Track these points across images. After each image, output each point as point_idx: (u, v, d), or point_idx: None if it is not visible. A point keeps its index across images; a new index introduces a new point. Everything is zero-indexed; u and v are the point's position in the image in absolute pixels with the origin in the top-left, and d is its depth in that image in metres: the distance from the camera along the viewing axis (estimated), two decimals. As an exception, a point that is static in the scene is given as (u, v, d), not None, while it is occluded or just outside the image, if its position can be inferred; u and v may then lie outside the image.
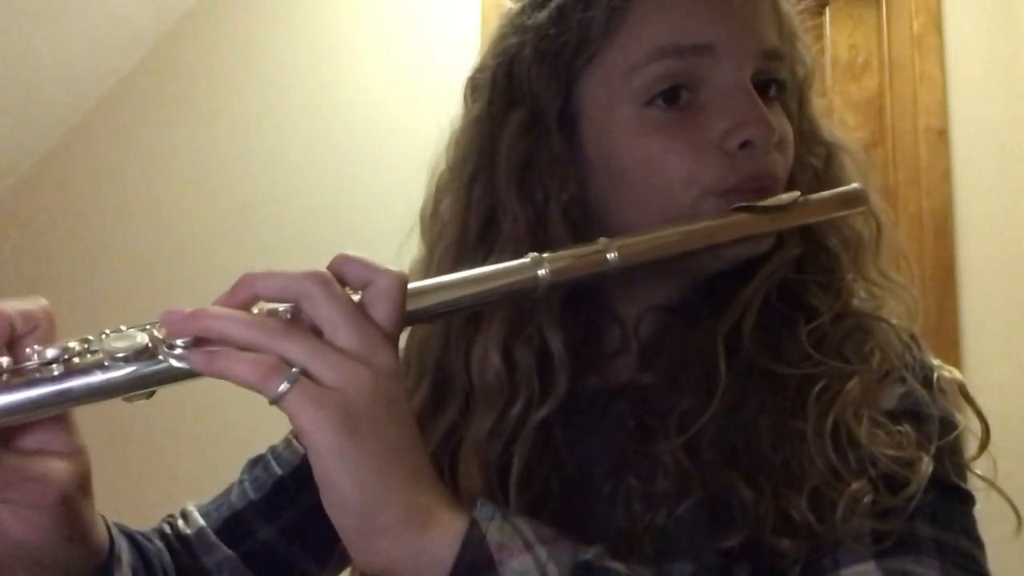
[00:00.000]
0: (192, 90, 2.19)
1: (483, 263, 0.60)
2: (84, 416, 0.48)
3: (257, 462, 0.74)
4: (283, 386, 0.42)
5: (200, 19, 2.19)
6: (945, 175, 2.07)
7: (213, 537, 0.69)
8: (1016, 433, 1.67)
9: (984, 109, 2.08)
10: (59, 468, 0.47)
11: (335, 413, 0.42)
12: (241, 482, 0.73)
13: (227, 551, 0.68)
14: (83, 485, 0.49)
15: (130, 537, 0.62)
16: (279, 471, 0.71)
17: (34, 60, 1.92)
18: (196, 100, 2.19)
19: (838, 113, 2.07)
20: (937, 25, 2.10)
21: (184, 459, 1.99)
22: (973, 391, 0.62)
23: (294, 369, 0.42)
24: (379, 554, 0.44)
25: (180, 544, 0.68)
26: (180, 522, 0.70)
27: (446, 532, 0.45)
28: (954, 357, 1.99)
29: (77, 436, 0.48)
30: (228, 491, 0.73)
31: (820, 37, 2.06)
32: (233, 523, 0.70)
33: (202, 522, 0.70)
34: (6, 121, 2.00)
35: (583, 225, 0.62)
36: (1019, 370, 1.98)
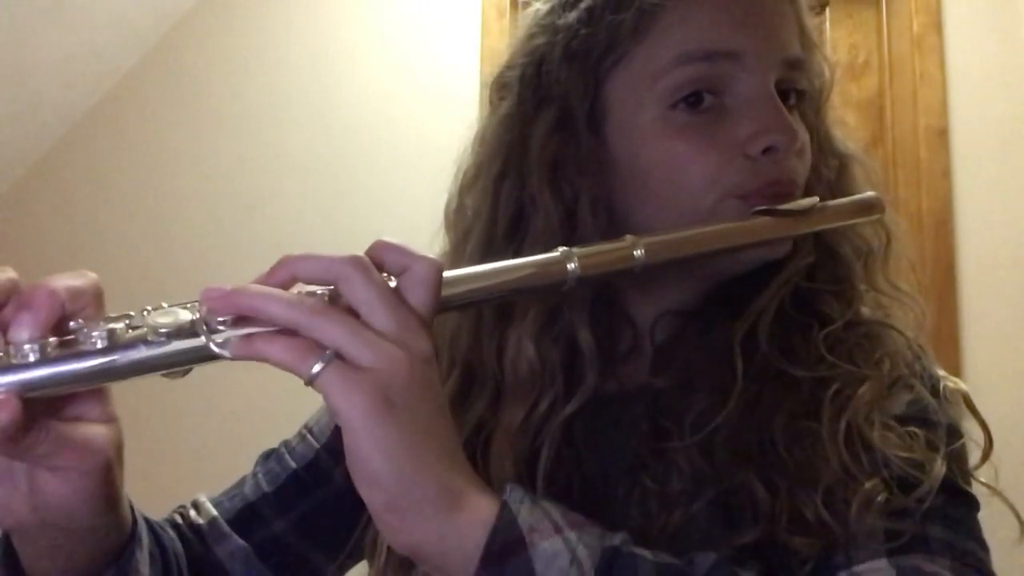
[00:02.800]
0: (192, 90, 2.19)
1: (513, 258, 0.61)
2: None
3: (270, 455, 0.74)
4: (318, 366, 0.43)
5: (200, 19, 2.19)
6: (945, 175, 2.08)
7: (226, 527, 0.69)
8: (1015, 432, 1.67)
9: (984, 109, 2.08)
10: (101, 433, 0.48)
11: (370, 392, 0.43)
12: (255, 475, 0.73)
13: (240, 541, 0.69)
14: (119, 452, 0.50)
15: (146, 521, 0.62)
16: (293, 464, 0.72)
17: (34, 60, 1.91)
18: (196, 100, 2.18)
19: (838, 113, 2.06)
20: (937, 25, 2.10)
21: (190, 455, 1.99)
22: (972, 391, 0.63)
23: (328, 351, 0.43)
24: (409, 533, 0.45)
25: (192, 533, 0.68)
26: (192, 512, 0.70)
27: (477, 513, 0.45)
28: (954, 357, 1.99)
29: (111, 404, 0.49)
30: (241, 483, 0.73)
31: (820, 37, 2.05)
32: (246, 514, 0.70)
33: (215, 512, 0.70)
34: (6, 121, 2.00)
35: (608, 224, 0.63)
36: (1019, 370, 1.99)
